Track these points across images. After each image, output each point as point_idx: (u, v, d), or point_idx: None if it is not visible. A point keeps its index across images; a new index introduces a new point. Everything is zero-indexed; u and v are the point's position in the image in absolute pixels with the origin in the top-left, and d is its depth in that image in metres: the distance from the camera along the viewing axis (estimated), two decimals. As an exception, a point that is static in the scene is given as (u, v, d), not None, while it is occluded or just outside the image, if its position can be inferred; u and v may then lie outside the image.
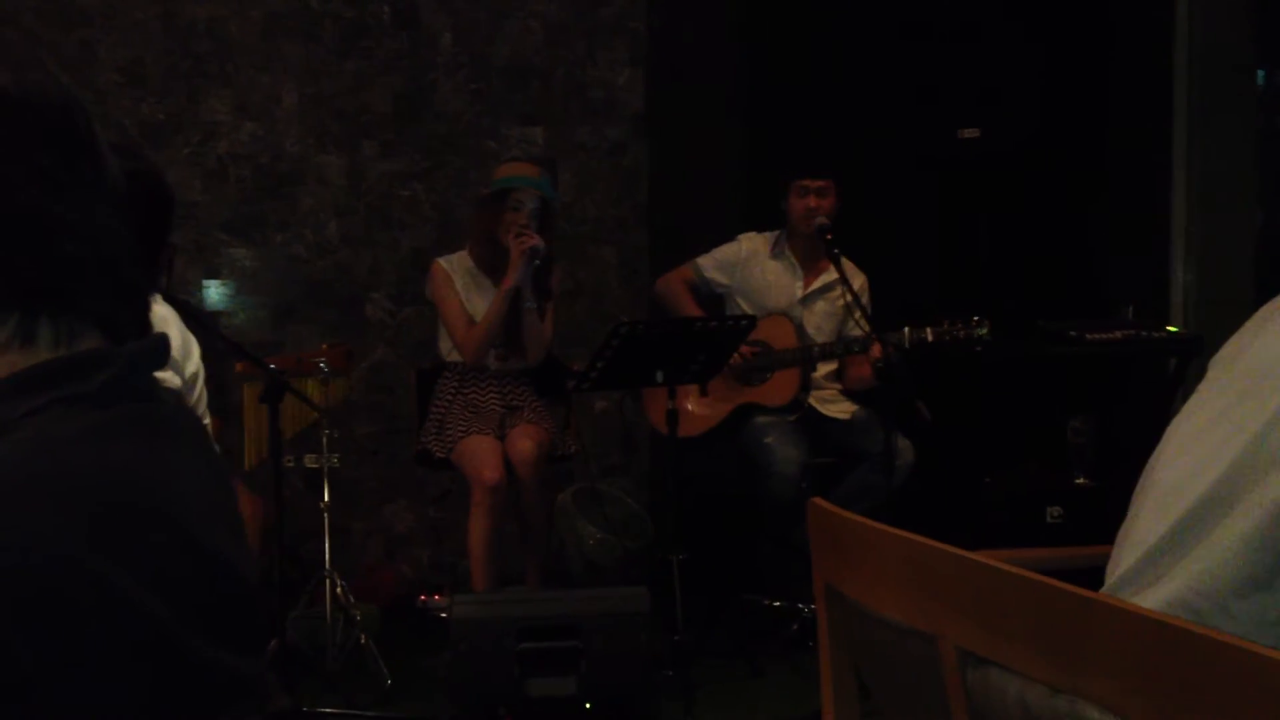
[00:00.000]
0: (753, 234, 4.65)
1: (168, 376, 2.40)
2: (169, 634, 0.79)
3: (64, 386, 0.83)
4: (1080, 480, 4.41)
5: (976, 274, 4.77)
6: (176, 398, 0.95)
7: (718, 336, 3.94)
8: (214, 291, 5.21)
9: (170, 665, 0.80)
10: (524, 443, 4.17)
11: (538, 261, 4.18)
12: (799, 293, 4.57)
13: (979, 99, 4.99)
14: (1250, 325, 1.39)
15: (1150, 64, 5.09)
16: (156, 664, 0.79)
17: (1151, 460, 1.43)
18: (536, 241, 4.14)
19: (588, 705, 3.45)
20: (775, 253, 4.60)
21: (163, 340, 0.93)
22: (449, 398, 4.31)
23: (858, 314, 4.22)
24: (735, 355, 4.18)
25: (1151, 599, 1.32)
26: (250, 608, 0.91)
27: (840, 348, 4.39)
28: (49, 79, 0.90)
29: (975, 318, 4.11)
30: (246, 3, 5.19)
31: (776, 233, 4.61)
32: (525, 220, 4.19)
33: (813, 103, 4.97)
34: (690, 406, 4.36)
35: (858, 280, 4.40)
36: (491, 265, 4.32)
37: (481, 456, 4.06)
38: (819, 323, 4.56)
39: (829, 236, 4.19)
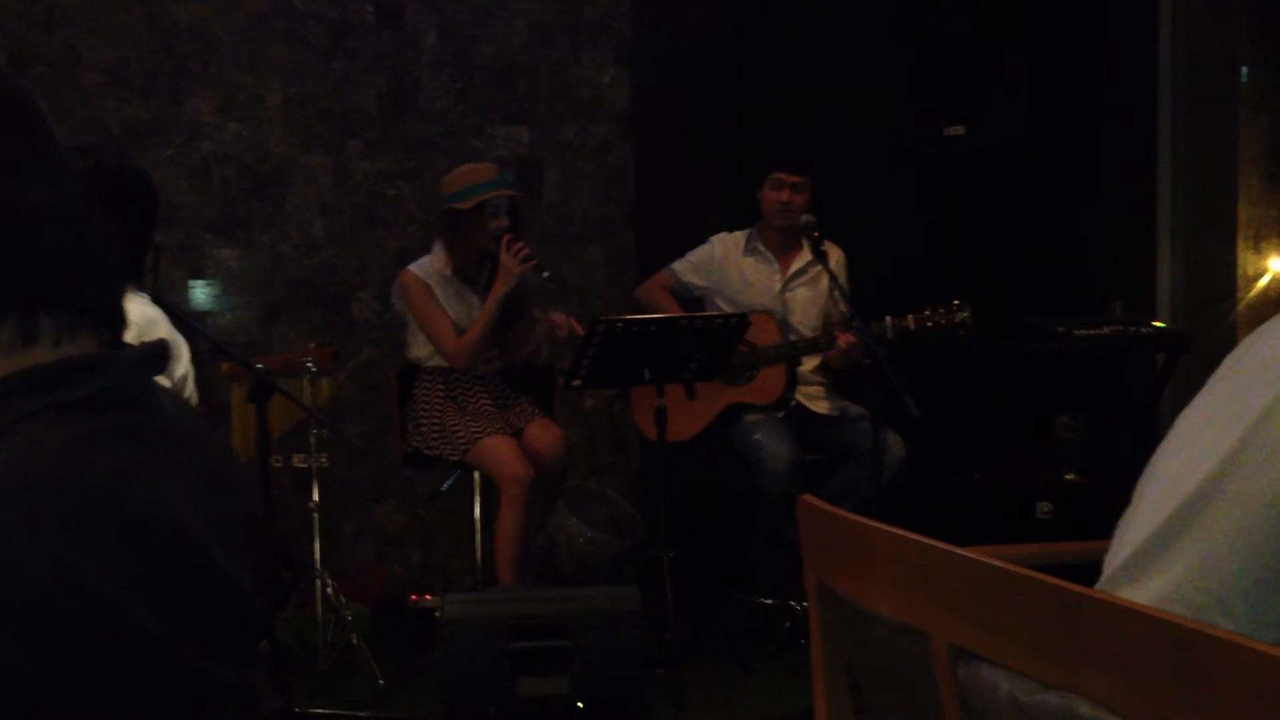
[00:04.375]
0: (724, 234, 4.67)
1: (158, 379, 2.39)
2: (158, 641, 0.79)
3: (56, 392, 0.83)
4: (1070, 476, 4.42)
5: (963, 271, 4.78)
6: (180, 404, 0.94)
7: (708, 334, 3.94)
8: (200, 292, 5.19)
9: (158, 672, 0.79)
10: (548, 437, 4.25)
11: (534, 263, 4.16)
12: (777, 285, 4.58)
13: (964, 96, 5.00)
14: (1269, 324, 1.39)
15: (1136, 60, 5.10)
16: (145, 671, 0.78)
17: (1157, 452, 1.43)
18: (532, 252, 4.15)
19: (579, 704, 3.45)
20: (749, 249, 4.61)
21: (160, 346, 0.92)
22: (438, 401, 4.31)
23: (837, 295, 4.23)
24: None
25: (1147, 591, 1.32)
26: (244, 618, 0.90)
27: (825, 341, 4.40)
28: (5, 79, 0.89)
29: (956, 302, 4.13)
30: (230, 3, 5.17)
31: (748, 230, 4.62)
32: (507, 223, 4.20)
33: (798, 100, 4.97)
34: (679, 411, 4.35)
35: (834, 255, 4.41)
36: (473, 273, 4.33)
37: (505, 455, 4.10)
38: (804, 309, 4.57)
39: (816, 234, 4.20)
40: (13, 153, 0.86)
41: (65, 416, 0.82)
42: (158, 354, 0.92)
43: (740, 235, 4.64)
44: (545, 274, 4.15)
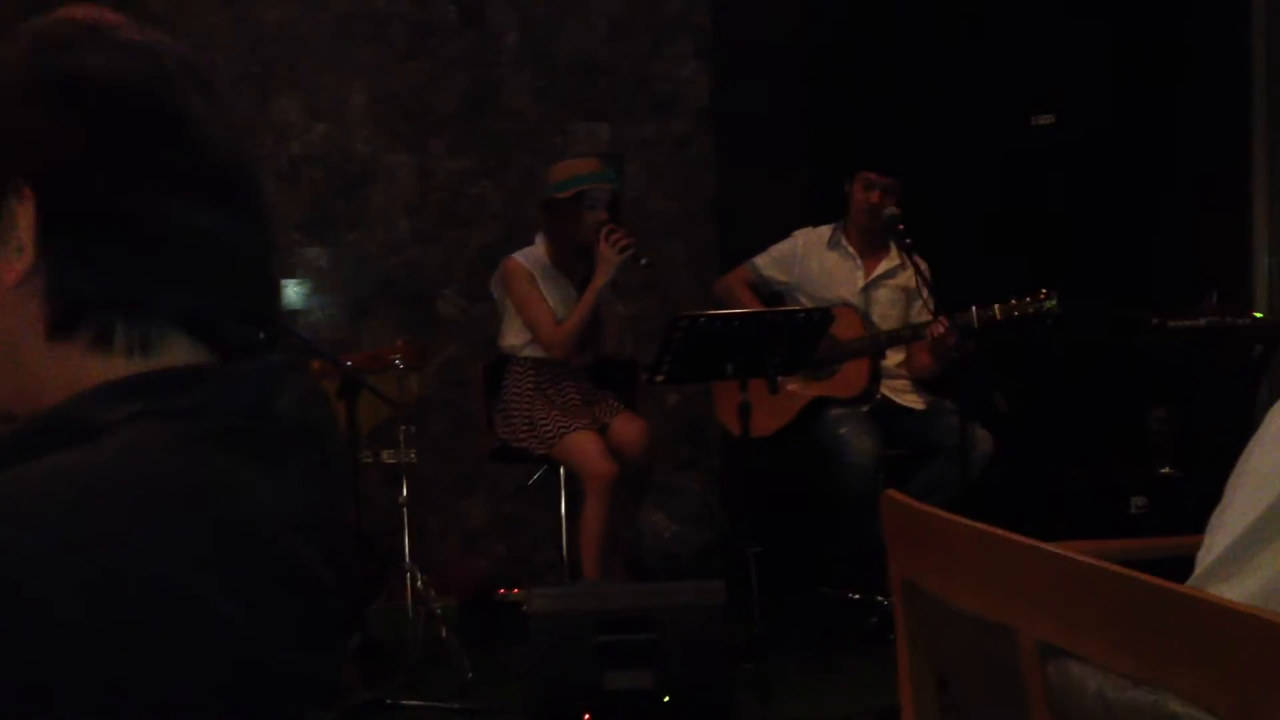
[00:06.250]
0: (807, 229, 4.64)
1: None
2: (247, 640, 0.80)
3: (158, 398, 0.84)
4: (1164, 470, 4.33)
5: (1054, 263, 4.70)
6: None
7: (791, 328, 3.92)
8: (290, 291, 5.29)
9: (248, 670, 0.81)
10: (632, 431, 4.29)
11: (632, 251, 4.18)
12: (860, 282, 4.55)
13: (1052, 84, 4.92)
14: None
15: (1227, 43, 4.98)
16: (235, 670, 0.80)
17: (1248, 447, 1.41)
18: (632, 241, 4.17)
19: (665, 698, 3.45)
20: (832, 244, 4.58)
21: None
22: (529, 393, 4.34)
23: (925, 294, 4.18)
24: None
25: (1241, 588, 1.30)
26: (330, 616, 0.91)
27: (908, 333, 4.35)
28: (133, 57, 0.90)
29: (1043, 291, 4.07)
30: (315, 5, 5.25)
31: (832, 225, 4.60)
32: (606, 216, 4.22)
33: (880, 92, 4.92)
34: (762, 407, 4.33)
35: (921, 266, 4.37)
36: (570, 264, 4.37)
37: (590, 451, 4.14)
38: (883, 311, 4.54)
39: (900, 227, 4.16)
40: (126, 155, 0.87)
41: (165, 421, 0.83)
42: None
43: (824, 230, 4.61)
44: (644, 261, 4.18)
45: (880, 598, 4.34)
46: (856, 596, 4.49)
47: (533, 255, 4.38)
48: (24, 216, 0.86)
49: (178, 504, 0.79)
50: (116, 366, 0.87)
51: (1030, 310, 4.07)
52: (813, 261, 4.58)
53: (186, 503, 0.80)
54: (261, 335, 0.93)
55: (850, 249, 4.57)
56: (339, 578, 0.91)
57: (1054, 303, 4.05)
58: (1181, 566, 1.44)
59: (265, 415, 0.88)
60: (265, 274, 0.95)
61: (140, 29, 0.94)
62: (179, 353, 0.89)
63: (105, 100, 0.88)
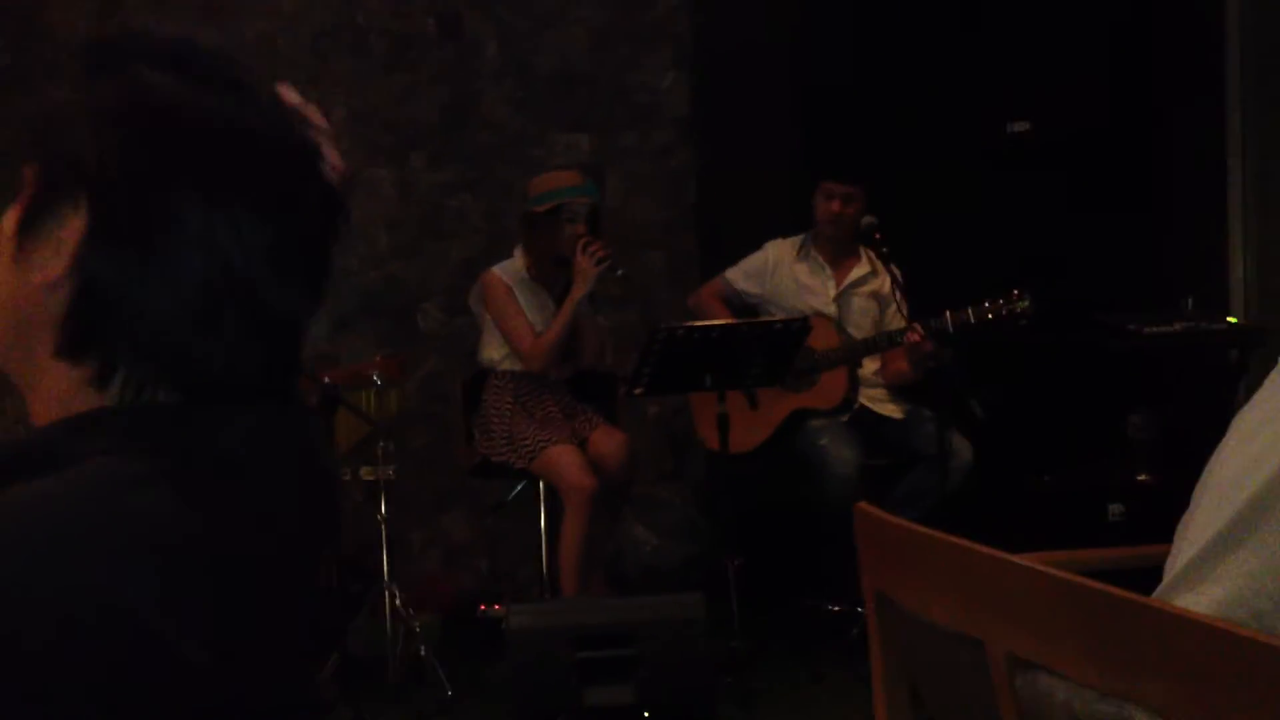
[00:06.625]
0: (778, 240, 4.65)
1: None
2: (209, 678, 0.80)
3: (130, 437, 0.83)
4: (1142, 477, 4.34)
5: (1032, 269, 4.71)
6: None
7: (769, 339, 3.92)
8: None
9: (210, 707, 0.80)
10: (612, 444, 4.28)
11: (609, 263, 4.18)
12: (832, 291, 4.56)
13: (1029, 91, 4.94)
14: None
15: (1203, 49, 5.01)
16: (197, 707, 0.79)
17: (1215, 453, 1.41)
18: (609, 253, 4.17)
19: (646, 714, 3.44)
20: (802, 255, 4.59)
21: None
22: (508, 407, 4.34)
23: (898, 299, 4.18)
24: None
25: (1208, 597, 1.29)
26: (303, 643, 0.90)
27: (885, 341, 4.35)
28: (240, 102, 0.89)
29: (1015, 291, 4.08)
30: (294, 19, 5.24)
31: (801, 236, 4.60)
32: (584, 230, 4.22)
33: (860, 101, 4.93)
34: (742, 421, 4.31)
35: (895, 274, 4.37)
36: (550, 277, 4.37)
37: (570, 465, 4.13)
38: (856, 320, 4.54)
39: (878, 236, 4.16)
40: (186, 210, 0.86)
41: (130, 459, 0.82)
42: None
43: (794, 241, 4.62)
44: (620, 272, 4.18)
45: (860, 609, 4.32)
46: (838, 608, 4.48)
47: (510, 268, 4.38)
48: (72, 227, 0.85)
49: (137, 543, 0.78)
50: (105, 404, 0.86)
51: (1004, 312, 4.08)
52: (784, 273, 4.59)
53: (146, 542, 0.79)
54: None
55: (820, 259, 4.58)
56: (310, 606, 0.90)
57: (1027, 303, 4.06)
58: (1158, 575, 1.44)
59: (231, 453, 0.86)
60: (294, 340, 0.93)
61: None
62: (166, 394, 0.87)
63: (187, 142, 0.87)
